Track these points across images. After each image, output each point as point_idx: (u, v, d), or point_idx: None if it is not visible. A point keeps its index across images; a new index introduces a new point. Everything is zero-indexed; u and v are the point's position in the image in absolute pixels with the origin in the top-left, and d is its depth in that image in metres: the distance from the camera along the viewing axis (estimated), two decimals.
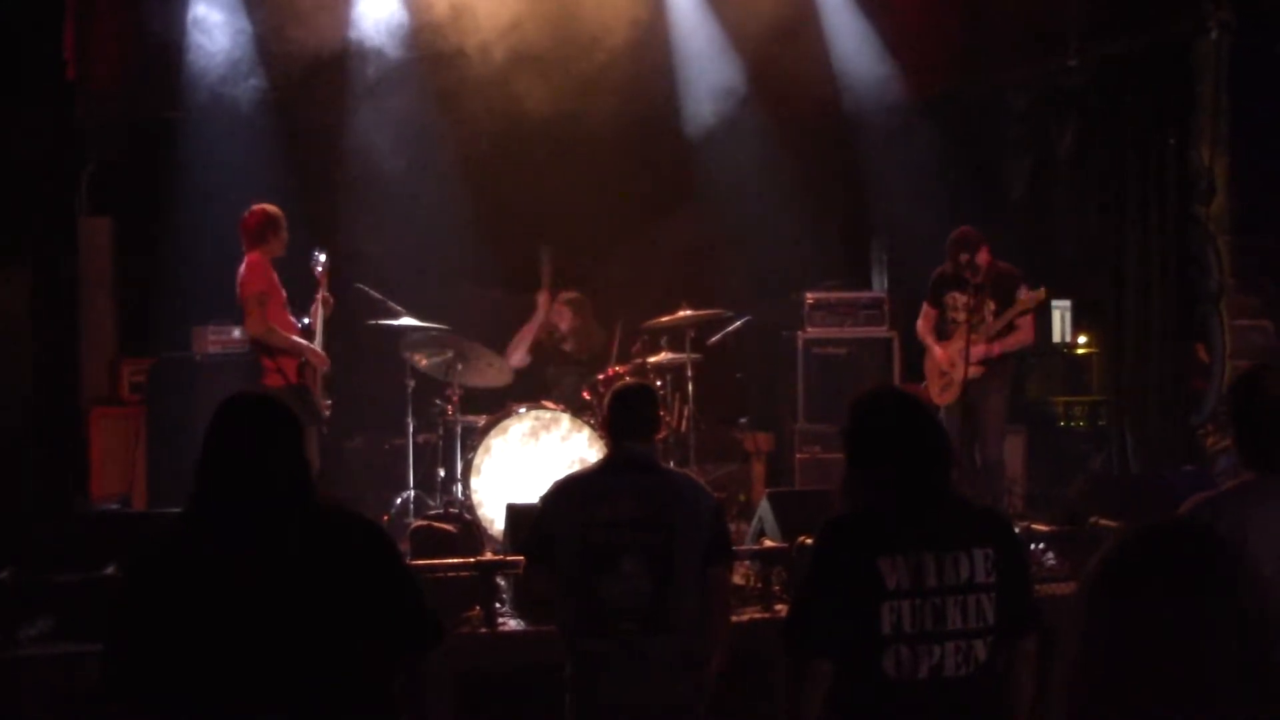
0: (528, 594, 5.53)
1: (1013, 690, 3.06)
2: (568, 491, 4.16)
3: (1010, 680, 3.05)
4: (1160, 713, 1.66)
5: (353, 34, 8.51)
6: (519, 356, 8.40)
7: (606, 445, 4.53)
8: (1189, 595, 1.69)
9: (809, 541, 5.57)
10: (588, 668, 4.03)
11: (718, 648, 4.13)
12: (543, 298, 8.47)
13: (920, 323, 7.88)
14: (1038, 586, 5.47)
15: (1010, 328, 7.48)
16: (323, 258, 7.13)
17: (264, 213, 6.95)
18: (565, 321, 8.38)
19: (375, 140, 8.66)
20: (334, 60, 8.43)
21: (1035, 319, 7.68)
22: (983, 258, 7.36)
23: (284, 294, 6.97)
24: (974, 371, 7.31)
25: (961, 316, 7.50)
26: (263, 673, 2.71)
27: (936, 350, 7.64)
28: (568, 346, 8.41)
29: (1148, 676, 1.67)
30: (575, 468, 6.94)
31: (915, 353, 8.10)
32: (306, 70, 8.23)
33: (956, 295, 7.55)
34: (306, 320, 7.06)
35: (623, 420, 4.17)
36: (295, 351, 6.86)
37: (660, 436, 6.65)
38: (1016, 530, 5.79)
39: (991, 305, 7.46)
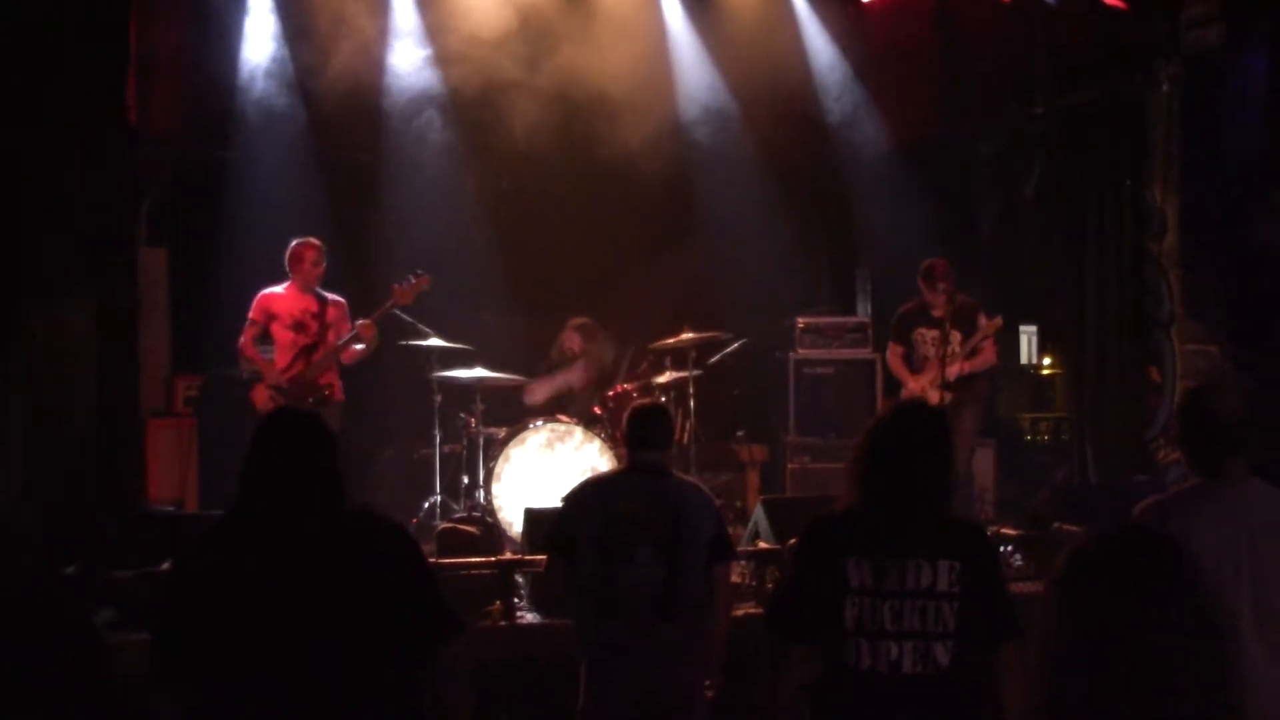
0: (547, 588, 5.67)
1: (999, 695, 3.09)
2: (589, 492, 4.41)
3: (996, 686, 3.09)
4: (1122, 705, 1.71)
5: (387, 77, 8.78)
6: (540, 394, 8.38)
7: (623, 455, 4.96)
8: (1148, 595, 1.74)
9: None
10: (602, 655, 4.20)
11: (720, 638, 4.34)
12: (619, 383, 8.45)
13: (891, 359, 8.04)
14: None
15: (974, 351, 7.74)
16: (398, 286, 7.41)
17: (290, 249, 7.47)
18: (576, 345, 8.49)
19: (407, 175, 8.86)
20: (370, 101, 8.68)
21: (996, 342, 7.90)
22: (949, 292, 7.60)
23: (280, 320, 7.42)
24: (947, 397, 7.46)
25: (932, 351, 7.67)
26: (295, 660, 2.80)
27: (911, 384, 7.80)
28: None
29: (1110, 672, 1.72)
30: (587, 475, 7.20)
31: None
32: (344, 111, 8.49)
33: (924, 331, 7.77)
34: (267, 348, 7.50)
35: (640, 434, 4.42)
36: (257, 367, 7.44)
37: None
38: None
39: (957, 336, 7.67)
